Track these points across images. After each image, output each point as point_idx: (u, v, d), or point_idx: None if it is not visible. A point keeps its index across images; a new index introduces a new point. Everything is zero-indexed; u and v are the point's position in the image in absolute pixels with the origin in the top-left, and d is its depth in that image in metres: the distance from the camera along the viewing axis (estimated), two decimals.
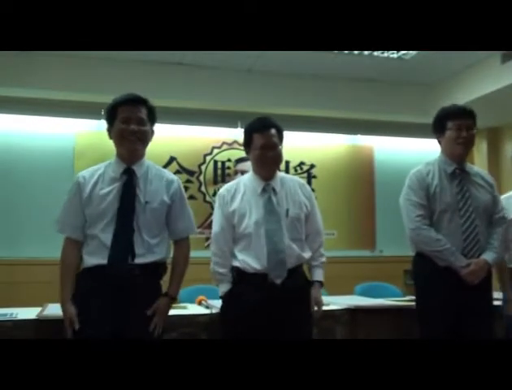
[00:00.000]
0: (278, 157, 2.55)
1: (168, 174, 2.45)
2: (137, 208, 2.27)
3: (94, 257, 2.23)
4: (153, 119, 2.36)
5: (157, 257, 2.30)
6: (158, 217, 2.32)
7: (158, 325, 2.25)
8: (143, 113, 2.30)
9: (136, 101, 2.30)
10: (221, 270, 2.50)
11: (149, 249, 2.27)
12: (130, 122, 2.26)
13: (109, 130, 2.35)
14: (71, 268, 2.27)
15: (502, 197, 3.07)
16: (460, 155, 2.71)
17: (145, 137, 2.32)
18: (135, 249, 2.23)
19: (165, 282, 2.38)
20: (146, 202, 2.28)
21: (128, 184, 2.29)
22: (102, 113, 2.66)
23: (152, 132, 2.37)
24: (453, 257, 2.56)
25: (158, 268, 2.32)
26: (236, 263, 2.48)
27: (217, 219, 2.57)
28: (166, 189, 2.36)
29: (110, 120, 2.31)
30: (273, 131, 2.52)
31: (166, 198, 2.35)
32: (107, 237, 2.23)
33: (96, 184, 2.29)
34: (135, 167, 2.32)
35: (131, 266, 2.22)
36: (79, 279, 2.27)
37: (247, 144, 2.57)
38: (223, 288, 2.51)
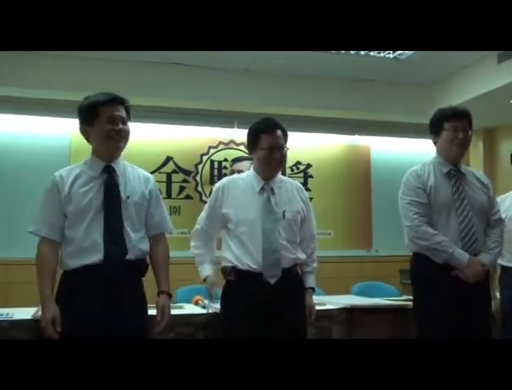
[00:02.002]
0: (283, 158, 2.55)
1: (144, 171, 2.47)
2: (121, 204, 2.29)
3: (80, 259, 2.20)
4: (129, 119, 2.39)
5: (140, 253, 2.31)
6: (140, 211, 2.34)
7: (166, 324, 2.33)
8: (123, 113, 2.32)
9: (118, 101, 2.32)
10: (197, 252, 2.60)
11: (135, 245, 2.28)
12: (116, 121, 2.28)
13: (85, 129, 2.32)
14: (51, 269, 2.24)
15: (499, 197, 3.09)
16: (455, 156, 2.71)
17: (127, 136, 2.34)
18: (126, 245, 2.24)
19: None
20: (128, 197, 2.30)
21: (110, 181, 2.30)
22: None
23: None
24: (451, 249, 2.55)
25: (141, 264, 2.33)
26: (232, 260, 2.47)
27: (207, 208, 2.62)
28: (144, 185, 2.39)
29: (90, 120, 2.29)
30: (279, 132, 2.52)
31: (145, 193, 2.37)
32: (92, 237, 2.21)
33: (74, 182, 2.29)
34: (114, 165, 2.34)
35: (125, 262, 2.22)
36: (62, 282, 2.24)
37: (253, 144, 2.55)
38: (204, 269, 2.57)
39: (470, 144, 2.77)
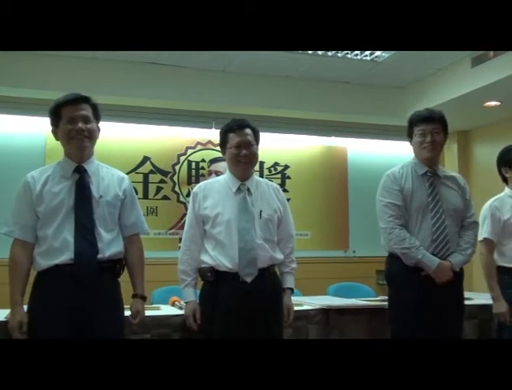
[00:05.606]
0: (253, 155, 2.56)
1: (118, 172, 2.47)
2: (92, 203, 2.28)
3: (51, 258, 2.20)
4: (97, 117, 2.37)
5: (113, 253, 2.30)
6: (113, 211, 2.34)
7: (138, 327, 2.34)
8: (88, 111, 2.31)
9: (78, 100, 2.30)
10: (183, 268, 2.54)
11: (107, 244, 2.27)
12: (76, 121, 2.27)
13: (54, 131, 2.35)
14: (23, 271, 2.23)
15: (494, 198, 3.12)
16: (426, 159, 2.77)
17: (92, 135, 2.32)
18: (98, 245, 2.23)
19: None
20: (100, 196, 2.30)
21: (81, 181, 2.29)
22: None
23: (98, 129, 2.37)
24: (420, 255, 2.60)
25: (115, 264, 2.33)
26: (208, 261, 2.48)
27: (188, 217, 2.60)
28: (118, 185, 2.38)
29: (55, 122, 2.32)
30: (248, 130, 2.55)
31: (119, 192, 2.37)
32: (62, 236, 2.21)
33: (46, 182, 2.28)
34: (85, 165, 2.33)
35: (96, 262, 2.21)
36: (36, 283, 2.24)
37: (222, 143, 2.59)
38: (186, 294, 2.53)
39: (442, 146, 2.81)
